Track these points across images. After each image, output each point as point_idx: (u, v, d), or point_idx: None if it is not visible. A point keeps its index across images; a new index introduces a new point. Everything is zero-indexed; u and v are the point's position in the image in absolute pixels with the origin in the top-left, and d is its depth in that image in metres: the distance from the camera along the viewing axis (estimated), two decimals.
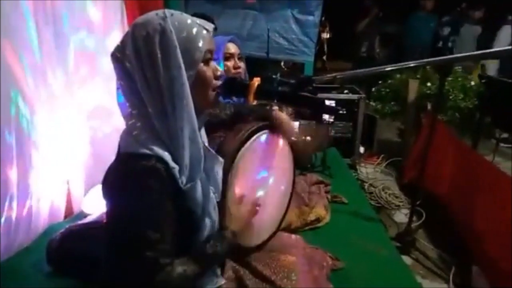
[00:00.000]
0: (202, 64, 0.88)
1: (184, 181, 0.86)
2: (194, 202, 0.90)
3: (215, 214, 0.98)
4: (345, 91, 3.30)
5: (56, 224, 1.78)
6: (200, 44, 0.86)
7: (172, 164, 0.84)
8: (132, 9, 2.40)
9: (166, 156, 0.83)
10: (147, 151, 0.82)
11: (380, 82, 3.63)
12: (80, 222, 1.63)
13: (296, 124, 2.46)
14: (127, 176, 0.82)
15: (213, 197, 0.97)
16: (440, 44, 5.24)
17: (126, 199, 0.82)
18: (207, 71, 0.90)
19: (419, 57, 4.26)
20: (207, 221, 0.96)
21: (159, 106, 0.83)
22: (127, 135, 0.88)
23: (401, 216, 2.66)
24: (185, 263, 0.86)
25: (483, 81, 3.21)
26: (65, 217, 1.87)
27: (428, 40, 5.18)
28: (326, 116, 2.39)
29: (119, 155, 0.88)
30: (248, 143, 1.11)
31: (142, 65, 0.83)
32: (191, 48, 0.85)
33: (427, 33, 5.17)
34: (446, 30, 5.32)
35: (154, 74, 0.82)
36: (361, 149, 3.40)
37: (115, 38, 2.19)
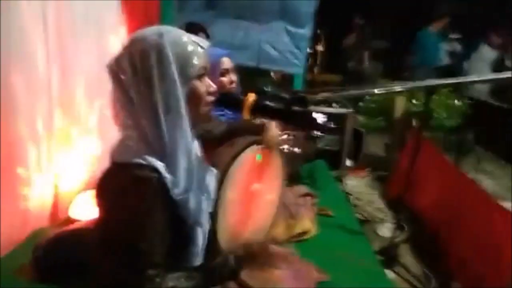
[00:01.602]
0: (195, 80, 0.91)
1: (177, 192, 0.88)
2: (187, 212, 0.92)
3: (207, 224, 1.00)
4: (333, 105, 3.35)
5: (41, 229, 1.75)
6: (195, 61, 0.89)
7: (165, 174, 0.85)
8: (128, 15, 2.41)
9: (160, 166, 0.85)
10: (141, 161, 0.84)
11: (367, 97, 3.70)
12: (66, 228, 1.61)
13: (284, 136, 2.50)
14: (120, 185, 0.84)
15: (206, 208, 0.99)
16: (447, 61, 5.07)
17: (118, 208, 0.83)
18: (201, 87, 0.93)
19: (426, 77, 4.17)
20: (199, 231, 0.97)
21: (153, 120, 0.85)
22: (120, 144, 0.90)
23: (385, 230, 2.70)
24: (177, 278, 0.87)
25: (470, 101, 3.31)
26: (51, 223, 1.84)
27: (436, 59, 4.97)
28: (315, 132, 2.43)
29: (112, 164, 0.89)
30: (240, 157, 1.13)
31: (138, 79, 0.85)
32: (186, 64, 0.88)
33: (435, 52, 4.98)
34: (457, 47, 5.17)
35: (148, 89, 0.85)
36: (348, 162, 3.45)
37: (110, 42, 2.20)
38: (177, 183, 0.88)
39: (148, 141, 0.86)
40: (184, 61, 0.88)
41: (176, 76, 0.86)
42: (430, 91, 1.98)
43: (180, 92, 0.86)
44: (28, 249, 1.43)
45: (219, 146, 1.16)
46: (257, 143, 1.18)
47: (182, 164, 0.88)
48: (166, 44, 0.86)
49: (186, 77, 0.88)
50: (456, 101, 3.27)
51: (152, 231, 0.84)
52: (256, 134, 1.24)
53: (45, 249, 1.38)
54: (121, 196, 0.83)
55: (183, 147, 0.88)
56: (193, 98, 0.92)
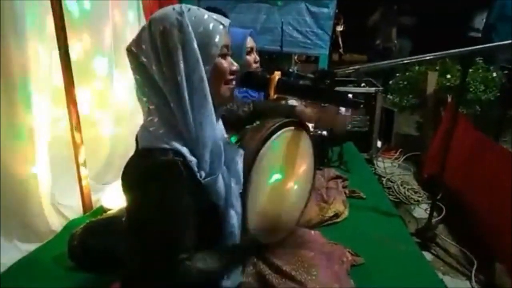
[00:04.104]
0: (219, 58, 0.88)
1: (204, 175, 0.86)
2: (216, 195, 0.90)
3: (238, 205, 0.98)
4: (362, 85, 3.24)
5: (76, 219, 1.80)
6: (217, 39, 0.86)
7: (189, 157, 0.84)
8: (149, 7, 2.41)
9: (184, 149, 0.83)
10: (165, 145, 0.82)
11: (397, 74, 3.56)
12: (100, 217, 1.65)
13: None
14: (146, 171, 0.83)
15: (235, 189, 0.96)
16: None
17: (146, 194, 0.82)
18: (224, 63, 0.90)
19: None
20: (232, 212, 0.95)
21: (178, 101, 0.83)
22: (144, 130, 0.88)
23: (421, 212, 2.62)
24: (205, 258, 0.86)
25: (505, 72, 3.13)
26: (85, 212, 1.89)
27: None
28: (342, 110, 2.35)
29: (138, 150, 0.88)
30: (271, 140, 1.09)
31: (160, 60, 0.83)
32: (208, 43, 0.85)
33: None
34: None
35: (171, 69, 0.82)
36: (379, 144, 3.35)
37: (131, 35, 2.21)
38: (203, 166, 0.86)
39: (172, 124, 0.85)
40: (206, 40, 0.85)
41: (199, 55, 0.83)
42: (467, 63, 1.84)
43: (204, 71, 0.84)
44: (64, 239, 1.47)
45: (243, 127, 1.13)
46: (288, 125, 1.14)
47: (208, 145, 0.86)
48: (187, 23, 0.83)
49: (209, 56, 0.85)
50: (494, 74, 3.08)
51: (180, 214, 0.83)
52: (287, 115, 1.20)
53: (81, 238, 1.41)
54: (146, 181, 0.82)
55: (209, 128, 0.86)
56: (216, 77, 0.89)
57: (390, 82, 3.63)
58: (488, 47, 2.12)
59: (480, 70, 3.11)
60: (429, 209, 2.19)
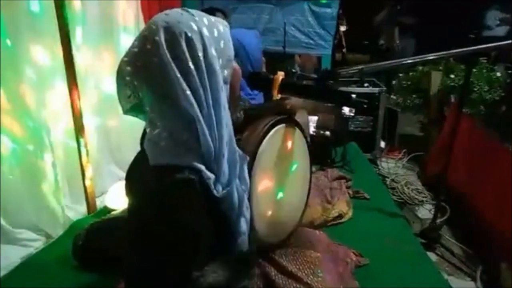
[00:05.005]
0: (234, 61, 0.86)
1: (221, 188, 0.83)
2: (230, 207, 0.87)
3: (248, 213, 0.96)
4: (366, 85, 3.24)
5: (80, 219, 1.81)
6: (230, 42, 0.83)
7: (206, 174, 0.80)
8: (147, 9, 2.41)
9: (200, 166, 0.79)
10: (180, 163, 0.78)
11: (400, 74, 3.55)
12: (104, 217, 1.65)
13: (314, 118, 2.44)
14: (161, 190, 0.79)
15: (245, 196, 0.94)
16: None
17: (162, 212, 0.79)
18: (238, 66, 0.89)
19: None
20: (243, 221, 0.93)
21: (206, 113, 0.78)
22: (154, 145, 0.81)
23: (425, 212, 2.61)
24: (215, 271, 0.83)
25: (509, 71, 3.11)
26: (89, 212, 1.90)
27: None
28: (346, 110, 2.35)
29: (150, 167, 0.81)
30: (266, 139, 1.09)
31: (187, 71, 0.76)
32: (224, 46, 0.82)
33: None
34: None
35: (199, 80, 0.76)
36: (382, 144, 3.34)
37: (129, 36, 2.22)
38: (221, 178, 0.82)
39: (183, 140, 0.79)
40: (221, 43, 0.81)
41: (218, 60, 0.79)
42: (471, 63, 1.84)
43: (223, 80, 0.80)
44: (69, 239, 1.47)
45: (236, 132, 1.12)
46: (280, 122, 1.13)
47: (226, 159, 0.83)
48: (204, 27, 0.79)
49: (227, 61, 0.82)
50: (498, 73, 3.06)
51: (196, 234, 0.80)
52: (279, 113, 1.17)
53: (85, 238, 1.41)
54: (162, 200, 0.78)
55: (227, 141, 0.82)
56: (234, 81, 0.87)
57: (394, 82, 3.63)
58: (489, 47, 2.10)
59: (484, 70, 3.10)
60: (433, 209, 2.18)
